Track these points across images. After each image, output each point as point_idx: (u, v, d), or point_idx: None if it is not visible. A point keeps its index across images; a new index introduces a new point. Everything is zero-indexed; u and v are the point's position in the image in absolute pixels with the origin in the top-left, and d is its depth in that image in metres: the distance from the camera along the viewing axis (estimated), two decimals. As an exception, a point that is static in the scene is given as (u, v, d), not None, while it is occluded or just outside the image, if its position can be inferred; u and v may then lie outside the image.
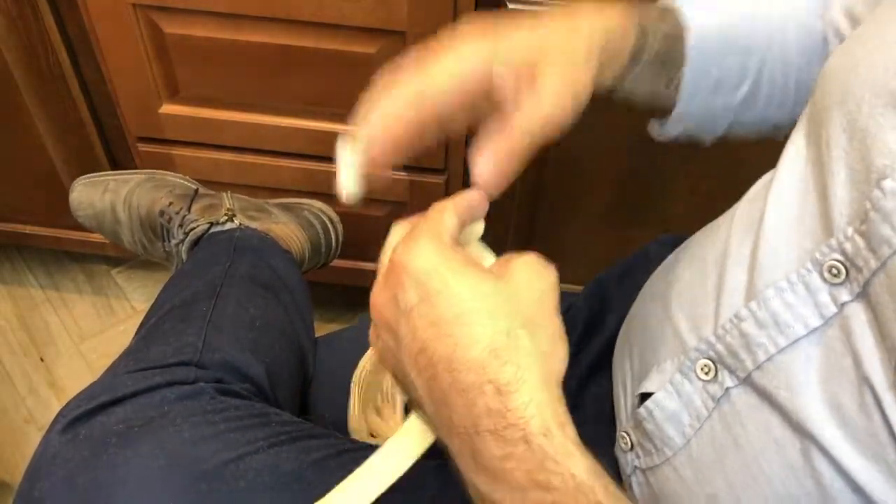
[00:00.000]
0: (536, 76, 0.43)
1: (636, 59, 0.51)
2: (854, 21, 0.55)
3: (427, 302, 0.37)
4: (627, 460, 0.54)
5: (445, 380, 0.36)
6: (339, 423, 0.71)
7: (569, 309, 0.71)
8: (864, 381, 0.38)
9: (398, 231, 0.42)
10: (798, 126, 0.48)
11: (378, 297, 0.40)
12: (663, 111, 0.57)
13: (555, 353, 0.38)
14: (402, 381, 0.41)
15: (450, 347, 0.36)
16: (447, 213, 0.41)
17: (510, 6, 0.81)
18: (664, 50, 0.52)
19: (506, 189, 0.44)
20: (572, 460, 0.34)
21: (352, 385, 0.73)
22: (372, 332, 0.42)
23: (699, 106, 0.55)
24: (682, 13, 0.52)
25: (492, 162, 0.43)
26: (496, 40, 0.44)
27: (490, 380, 0.35)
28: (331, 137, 0.98)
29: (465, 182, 0.98)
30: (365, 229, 1.10)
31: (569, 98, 0.44)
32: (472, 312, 0.37)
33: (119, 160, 1.09)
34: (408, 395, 0.41)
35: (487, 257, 0.45)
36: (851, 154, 0.40)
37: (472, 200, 0.43)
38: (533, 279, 0.39)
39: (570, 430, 0.36)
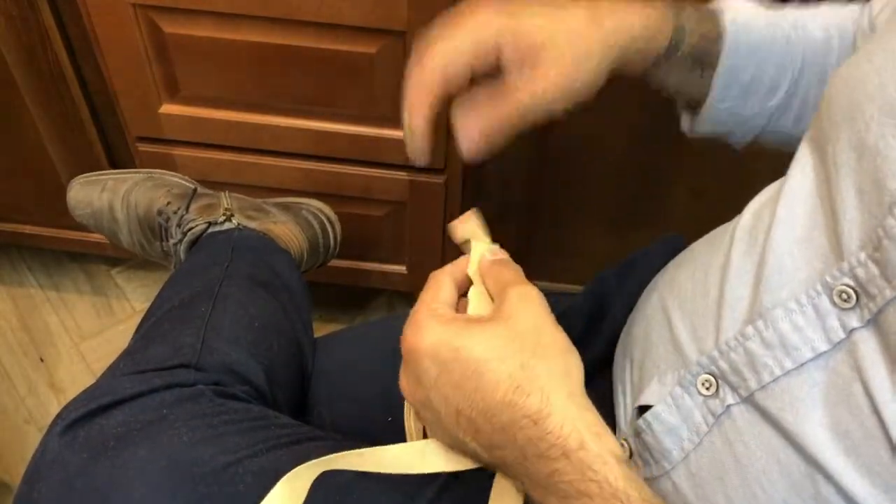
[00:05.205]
0: (538, 63, 0.45)
1: (670, 55, 0.53)
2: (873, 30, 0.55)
3: (445, 370, 0.41)
4: (626, 469, 0.53)
5: (486, 429, 0.41)
6: (338, 424, 0.71)
7: (568, 308, 0.71)
8: (874, 409, 0.37)
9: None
10: (805, 139, 0.48)
11: (405, 383, 0.45)
12: (695, 106, 0.59)
13: (568, 366, 0.42)
14: (459, 447, 0.44)
15: (478, 400, 0.40)
16: (443, 288, 0.46)
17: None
18: (700, 48, 0.54)
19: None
20: (608, 468, 0.38)
21: None
22: (413, 415, 0.48)
23: (729, 106, 0.58)
24: (722, 18, 0.55)
25: (480, 125, 0.46)
26: (511, 17, 0.46)
27: (523, 414, 0.39)
28: (331, 137, 0.99)
29: (465, 182, 0.98)
30: (364, 229, 1.10)
31: (562, 90, 0.46)
32: (485, 362, 0.40)
33: (118, 160, 1.09)
34: (470, 457, 0.45)
35: (482, 246, 0.48)
36: (860, 174, 0.40)
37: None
38: (524, 308, 0.43)
39: (608, 439, 0.40)
